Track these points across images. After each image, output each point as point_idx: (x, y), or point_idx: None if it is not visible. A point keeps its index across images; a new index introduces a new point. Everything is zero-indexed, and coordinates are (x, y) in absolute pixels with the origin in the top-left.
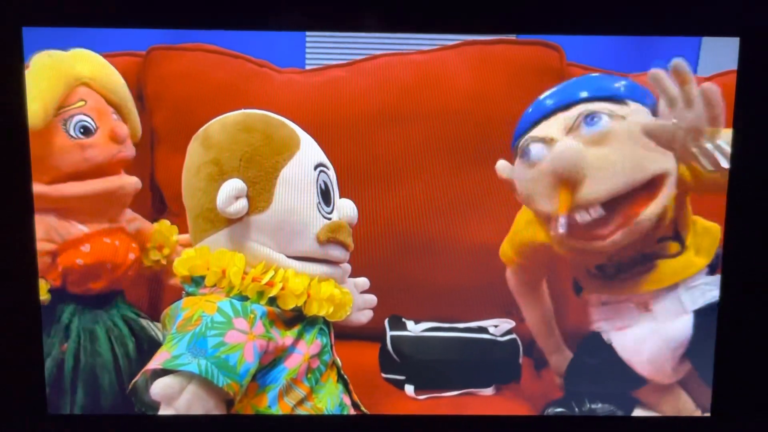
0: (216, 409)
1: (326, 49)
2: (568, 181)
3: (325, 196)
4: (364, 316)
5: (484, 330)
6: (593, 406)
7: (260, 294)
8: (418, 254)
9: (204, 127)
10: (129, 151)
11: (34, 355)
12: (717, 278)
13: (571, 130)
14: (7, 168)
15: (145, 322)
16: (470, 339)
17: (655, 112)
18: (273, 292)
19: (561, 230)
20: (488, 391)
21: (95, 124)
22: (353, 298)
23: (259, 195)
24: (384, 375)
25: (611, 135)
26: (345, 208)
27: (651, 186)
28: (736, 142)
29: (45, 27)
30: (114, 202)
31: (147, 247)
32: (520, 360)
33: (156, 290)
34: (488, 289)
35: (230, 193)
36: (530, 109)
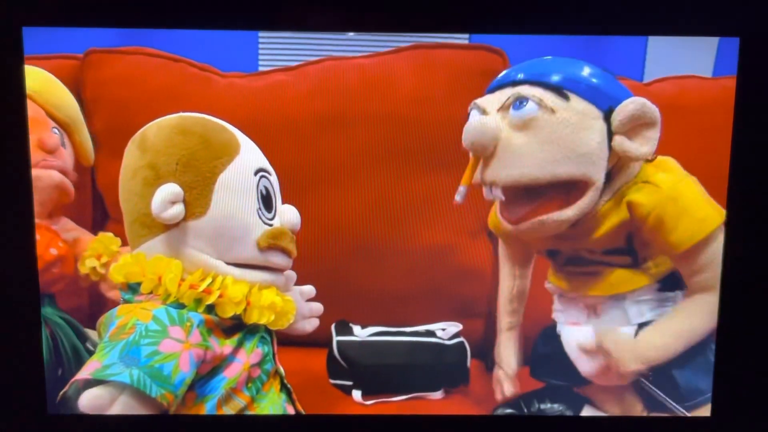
0: None
1: (279, 52)
2: (475, 155)
3: (267, 201)
4: (310, 325)
5: (431, 333)
6: (542, 406)
7: (198, 301)
8: (364, 259)
9: (141, 130)
10: (59, 162)
11: (34, 355)
12: (667, 295)
13: (501, 108)
14: (6, 167)
15: (72, 329)
16: (417, 343)
17: (607, 118)
18: (211, 300)
19: (457, 198)
20: (437, 395)
21: None
22: (298, 307)
23: (197, 200)
24: (332, 381)
25: (533, 124)
26: (287, 214)
27: (569, 190)
28: (736, 142)
29: (45, 27)
30: (35, 195)
31: (84, 256)
32: (468, 363)
33: (98, 302)
34: (435, 292)
35: (165, 198)
36: (499, 76)
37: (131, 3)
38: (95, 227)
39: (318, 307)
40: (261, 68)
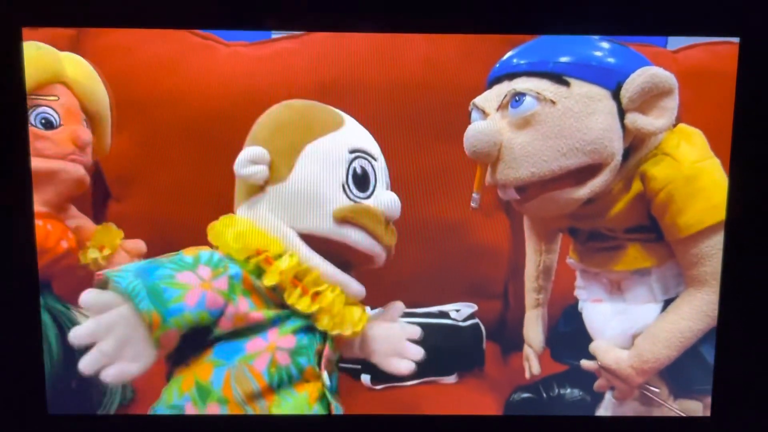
0: (140, 342)
1: None
2: (480, 161)
3: (359, 181)
4: (404, 367)
5: (445, 315)
6: (561, 391)
7: (247, 259)
8: None
9: None
10: (86, 158)
11: (34, 355)
12: None
13: (501, 107)
14: (6, 166)
15: (75, 315)
16: (430, 324)
17: (616, 96)
18: (257, 259)
19: (473, 205)
20: (450, 379)
21: (60, 120)
22: (394, 342)
23: (281, 164)
24: (339, 364)
25: (534, 120)
26: (383, 197)
27: (582, 172)
28: (735, 142)
29: (45, 27)
30: (55, 185)
31: (86, 245)
32: (484, 345)
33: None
34: (449, 272)
35: (247, 157)
36: (497, 65)
37: (132, 3)
38: (95, 207)
39: (417, 351)
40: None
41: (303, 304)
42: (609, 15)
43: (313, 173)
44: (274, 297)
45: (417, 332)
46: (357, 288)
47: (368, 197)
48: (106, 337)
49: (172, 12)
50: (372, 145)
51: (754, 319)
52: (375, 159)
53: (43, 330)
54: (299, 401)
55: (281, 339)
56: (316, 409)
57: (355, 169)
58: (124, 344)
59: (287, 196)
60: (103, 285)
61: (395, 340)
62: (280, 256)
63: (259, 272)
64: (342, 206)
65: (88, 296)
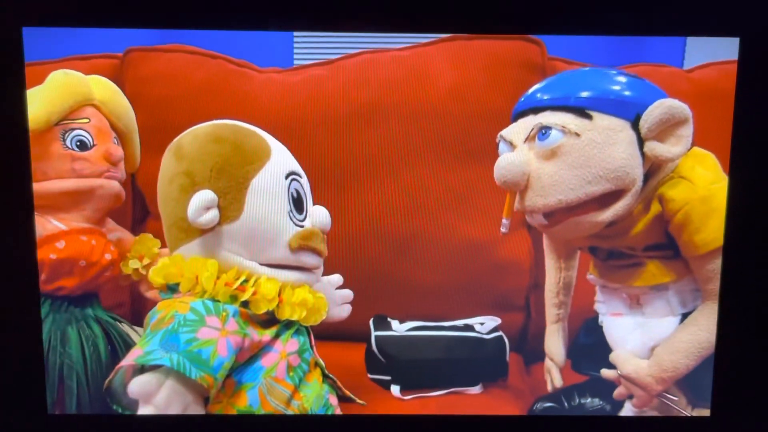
0: (194, 404)
1: (314, 48)
2: (510, 190)
3: (297, 204)
4: (344, 311)
5: (470, 328)
6: (582, 401)
7: (233, 298)
8: (402, 253)
9: (177, 138)
10: (119, 174)
11: (34, 355)
12: None
13: (528, 139)
14: (6, 167)
15: (122, 327)
16: (456, 337)
17: (635, 126)
18: (245, 297)
19: (502, 230)
20: (475, 390)
21: (93, 141)
22: (329, 295)
23: (231, 205)
24: (370, 375)
25: (560, 151)
26: (318, 216)
27: (605, 197)
28: (735, 142)
29: (45, 27)
30: (94, 201)
31: (127, 256)
32: (507, 357)
33: (139, 299)
34: (474, 286)
35: (201, 204)
36: (522, 99)
37: (133, 4)
38: (135, 224)
39: (348, 293)
40: (296, 63)
41: (296, 316)
42: (609, 16)
43: (263, 209)
44: (263, 315)
45: (339, 279)
46: (314, 278)
47: (305, 218)
48: (167, 411)
49: (172, 13)
50: (296, 163)
51: (753, 319)
52: (301, 177)
53: (92, 339)
54: (315, 387)
55: (287, 345)
56: (326, 389)
57: (292, 194)
58: (183, 411)
59: (243, 234)
60: (138, 371)
61: (329, 295)
62: (246, 281)
63: (243, 302)
64: (294, 235)
65: (134, 386)
